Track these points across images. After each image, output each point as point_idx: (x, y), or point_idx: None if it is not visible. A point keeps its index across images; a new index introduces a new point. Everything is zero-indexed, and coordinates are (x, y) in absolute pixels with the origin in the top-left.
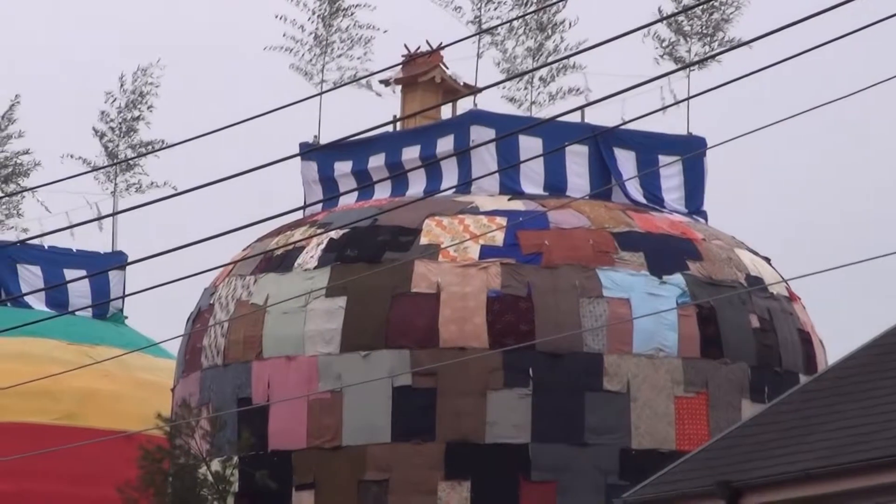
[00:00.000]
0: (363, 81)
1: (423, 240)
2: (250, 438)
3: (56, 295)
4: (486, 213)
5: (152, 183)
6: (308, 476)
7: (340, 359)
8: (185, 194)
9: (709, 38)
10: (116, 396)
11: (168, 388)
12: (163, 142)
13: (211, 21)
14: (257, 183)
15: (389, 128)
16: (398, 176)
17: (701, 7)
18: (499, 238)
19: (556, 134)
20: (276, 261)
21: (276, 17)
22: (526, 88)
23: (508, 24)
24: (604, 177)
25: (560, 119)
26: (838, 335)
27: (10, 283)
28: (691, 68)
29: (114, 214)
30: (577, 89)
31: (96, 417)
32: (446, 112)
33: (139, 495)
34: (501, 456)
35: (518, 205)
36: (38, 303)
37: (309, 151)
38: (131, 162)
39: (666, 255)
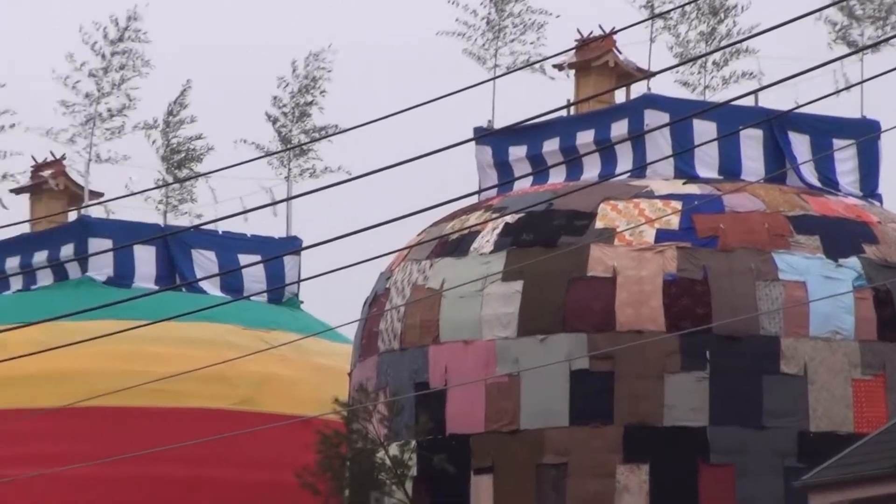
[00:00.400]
0: (536, 66)
1: (599, 224)
2: (428, 422)
3: (231, 280)
4: (661, 197)
5: (326, 168)
6: (486, 460)
7: (518, 343)
8: (360, 179)
9: (881, 22)
10: (293, 381)
11: (344, 372)
12: (336, 126)
13: (384, 5)
14: (432, 168)
15: (563, 112)
16: (573, 160)
17: None
18: (674, 222)
19: (730, 118)
20: (452, 245)
21: (449, 1)
22: (699, 72)
23: (681, 8)
24: (778, 160)
25: (734, 103)
26: None
27: (185, 268)
28: (864, 52)
29: (288, 199)
30: (751, 73)
31: (273, 402)
32: (620, 96)
33: (317, 480)
34: (679, 439)
35: (693, 188)
36: (213, 288)
37: (483, 136)
38: (305, 147)
39: (841, 238)
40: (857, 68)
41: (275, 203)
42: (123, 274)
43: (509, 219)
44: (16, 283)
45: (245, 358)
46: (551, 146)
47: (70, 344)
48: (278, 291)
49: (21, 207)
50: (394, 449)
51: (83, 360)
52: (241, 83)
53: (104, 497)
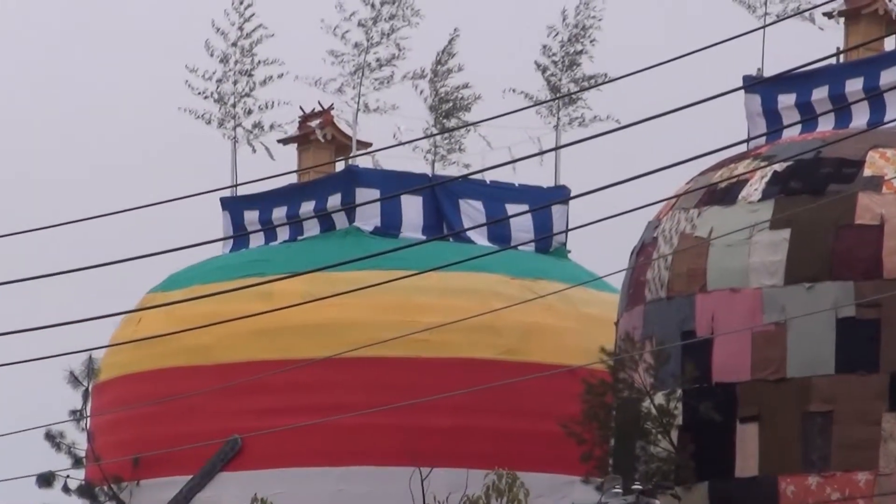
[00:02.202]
0: (806, 14)
1: (867, 171)
2: (694, 371)
3: (498, 230)
4: None
5: (595, 117)
6: (752, 408)
7: (784, 291)
8: (628, 128)
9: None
10: (559, 331)
11: (611, 321)
12: (605, 75)
13: None
14: (700, 116)
15: (832, 60)
16: (841, 108)
17: None
18: None
19: None
20: (720, 194)
21: None
22: None
23: None
24: None
25: None
26: None
27: (452, 218)
28: None
29: (556, 149)
30: None
31: (539, 352)
32: (889, 44)
33: (582, 430)
34: None
35: None
36: (480, 238)
37: (753, 85)
38: (574, 96)
39: None
40: None
41: (543, 152)
42: (390, 224)
43: (777, 167)
44: (283, 234)
45: (511, 308)
46: (820, 94)
47: (336, 294)
48: (546, 241)
49: (289, 158)
50: (659, 398)
51: (350, 310)
52: (509, 32)
53: (370, 447)
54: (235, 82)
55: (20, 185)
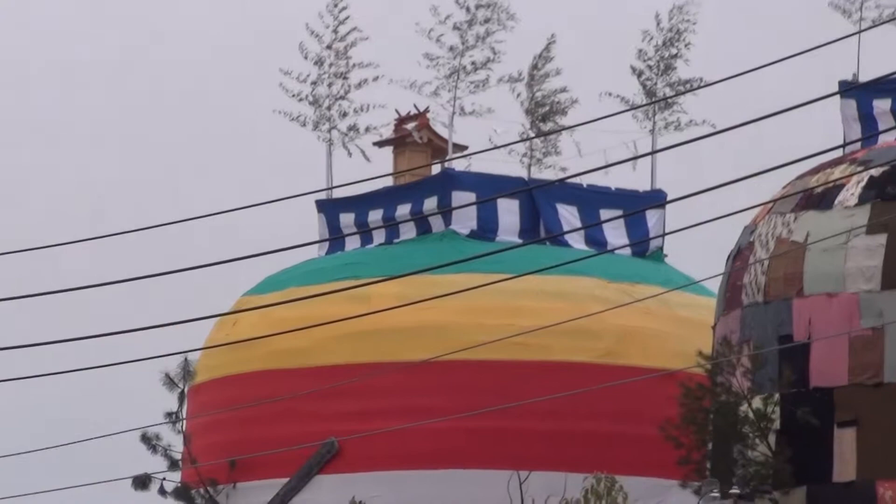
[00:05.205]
0: None
1: None
2: (791, 375)
3: (594, 234)
4: None
5: (691, 121)
6: (850, 413)
7: (881, 296)
8: (725, 132)
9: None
10: (656, 334)
11: (708, 325)
12: (701, 80)
13: None
14: (795, 121)
15: None
16: None
17: None
18: None
19: None
20: (816, 198)
21: None
22: None
23: None
24: None
25: None
26: None
27: (550, 221)
28: None
29: (653, 153)
30: None
31: (636, 355)
32: None
33: (680, 433)
34: None
35: None
36: (576, 242)
37: (849, 90)
38: (669, 100)
39: None
40: None
41: (639, 157)
42: (487, 227)
43: (874, 172)
44: (378, 237)
45: (609, 311)
46: None
47: (433, 298)
48: (642, 245)
49: (384, 160)
50: (757, 402)
51: (446, 313)
52: (605, 37)
53: (467, 451)
54: (330, 85)
55: (113, 188)
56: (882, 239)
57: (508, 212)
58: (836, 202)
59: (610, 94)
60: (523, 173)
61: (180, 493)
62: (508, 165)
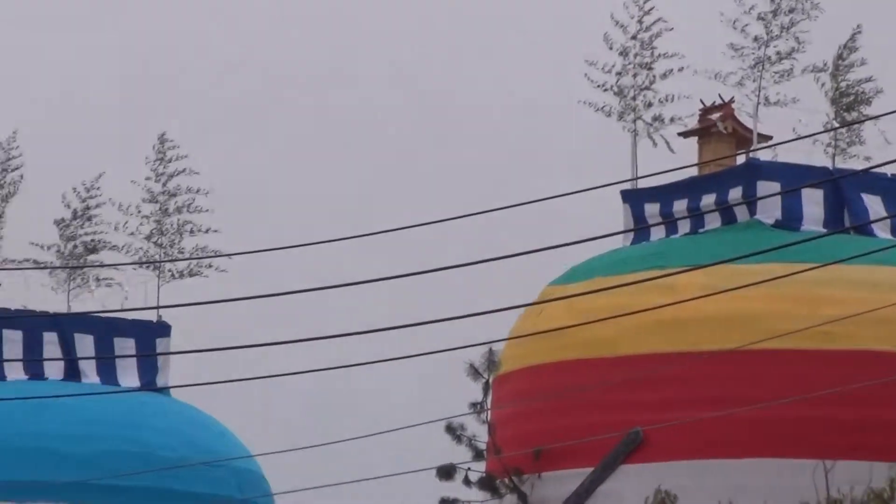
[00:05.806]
0: None
1: None
2: None
3: None
4: None
5: None
6: None
7: None
8: None
9: None
10: None
11: None
12: None
13: None
14: None
15: None
16: None
17: None
18: None
19: None
20: None
21: None
22: None
23: None
24: None
25: None
26: None
27: (857, 210)
28: None
29: None
30: None
31: None
32: None
33: None
34: None
35: None
36: (882, 231)
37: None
38: None
39: None
40: None
41: None
42: (791, 217)
43: None
44: (683, 227)
45: None
46: None
47: (738, 287)
48: None
49: (689, 150)
50: None
51: (751, 302)
52: None
53: (771, 440)
54: (635, 75)
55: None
56: None
57: (813, 201)
58: None
59: None
60: (828, 163)
61: (485, 482)
62: (812, 155)
